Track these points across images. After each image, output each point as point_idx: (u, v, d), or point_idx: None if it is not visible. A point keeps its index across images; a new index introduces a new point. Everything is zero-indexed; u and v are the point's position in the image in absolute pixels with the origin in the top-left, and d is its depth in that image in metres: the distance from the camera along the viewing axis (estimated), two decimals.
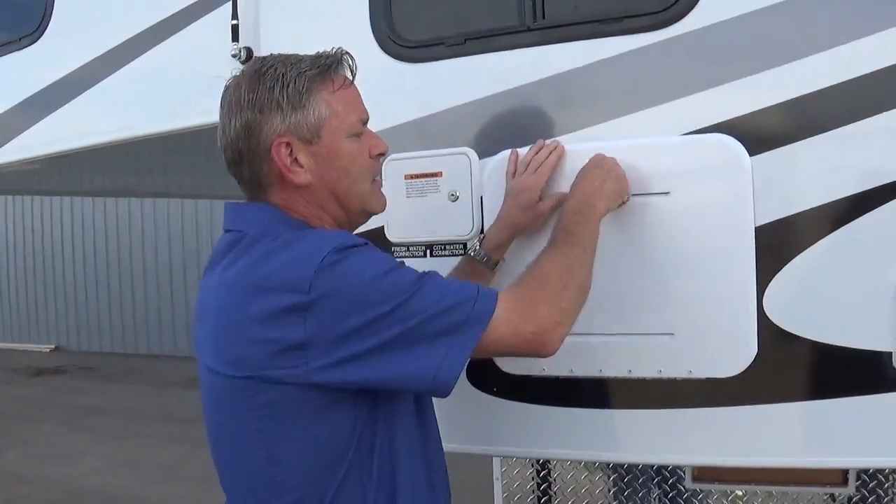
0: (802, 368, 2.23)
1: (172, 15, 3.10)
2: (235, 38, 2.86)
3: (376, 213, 2.14)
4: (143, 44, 3.20)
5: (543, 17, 2.40)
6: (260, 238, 1.91)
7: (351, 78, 2.03)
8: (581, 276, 2.02)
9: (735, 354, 2.24)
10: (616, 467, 3.93)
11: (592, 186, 2.17)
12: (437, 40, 2.56)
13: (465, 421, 2.58)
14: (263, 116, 1.93)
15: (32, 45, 3.55)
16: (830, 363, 2.19)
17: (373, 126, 2.61)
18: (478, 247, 2.42)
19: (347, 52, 2.02)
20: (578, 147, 2.34)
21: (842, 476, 3.07)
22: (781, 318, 2.21)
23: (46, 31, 3.51)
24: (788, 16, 2.15)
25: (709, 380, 2.27)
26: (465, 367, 1.86)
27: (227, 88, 2.00)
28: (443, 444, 2.20)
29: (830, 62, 2.12)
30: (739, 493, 3.29)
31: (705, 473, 3.20)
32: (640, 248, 2.30)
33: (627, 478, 3.94)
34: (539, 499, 4.02)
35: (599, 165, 2.22)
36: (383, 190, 2.18)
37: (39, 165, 4.21)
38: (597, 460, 3.49)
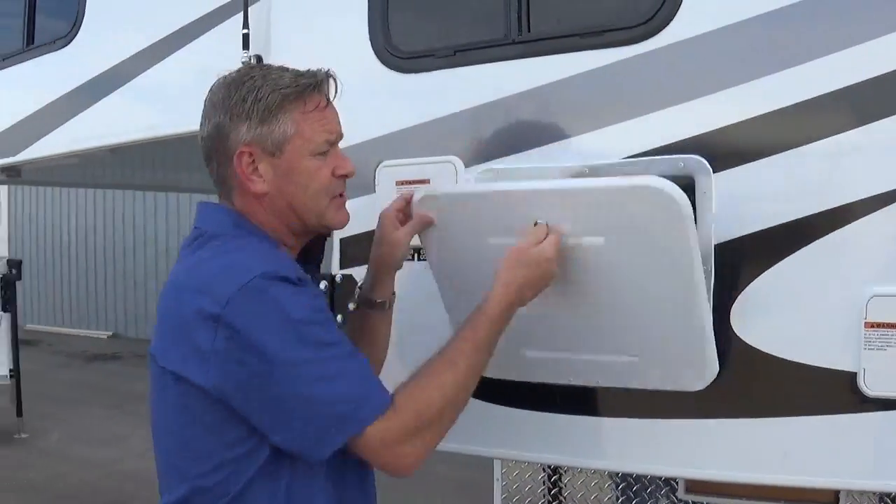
0: (769, 385, 2.23)
1: (192, 22, 3.23)
2: (246, 46, 2.97)
3: (335, 229, 2.20)
4: (166, 49, 3.32)
5: (529, 31, 2.45)
6: (213, 238, 2.04)
7: (328, 100, 2.09)
8: (461, 401, 2.02)
9: (696, 377, 2.24)
10: (624, 475, 3.95)
11: (512, 284, 2.08)
12: (429, 52, 2.63)
13: None
14: (232, 123, 2.03)
15: (66, 47, 3.70)
16: (798, 380, 2.19)
17: (369, 134, 2.73)
18: (363, 297, 2.44)
19: (332, 75, 2.09)
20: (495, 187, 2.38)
21: (833, 495, 3.05)
22: (749, 335, 2.22)
23: (79, 34, 3.65)
24: (762, 31, 2.18)
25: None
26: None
27: (212, 87, 2.10)
28: None
29: (803, 77, 2.13)
30: None
31: (697, 486, 3.21)
32: (592, 283, 2.21)
33: (636, 487, 3.96)
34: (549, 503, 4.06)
35: (524, 263, 2.10)
36: (377, 195, 2.39)
37: (82, 159, 4.36)
38: (566, 465, 3.51)
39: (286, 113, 2.03)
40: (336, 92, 2.12)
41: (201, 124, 2.09)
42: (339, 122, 2.13)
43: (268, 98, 2.01)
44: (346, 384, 1.89)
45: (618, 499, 3.95)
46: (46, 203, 18.92)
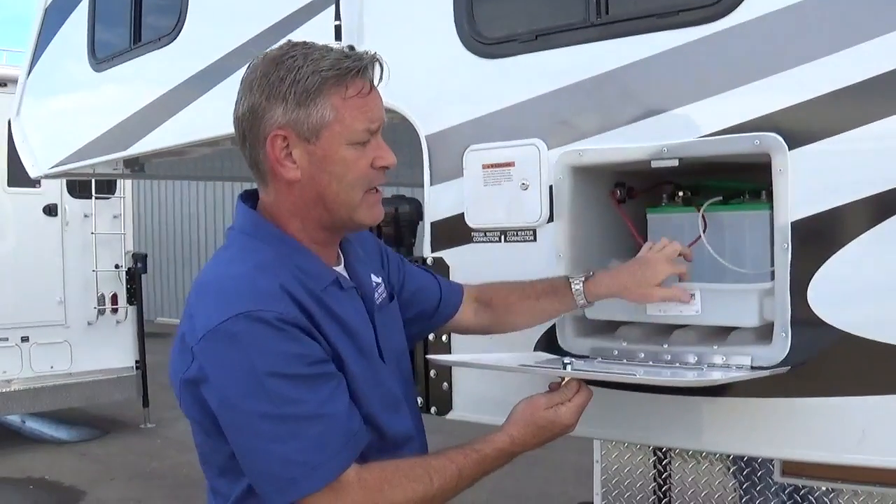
0: (845, 364, 2.19)
1: (287, 17, 3.34)
2: (338, 37, 3.06)
3: (364, 226, 2.10)
4: (264, 43, 3.44)
5: (607, 13, 2.48)
6: (234, 237, 2.06)
7: (371, 85, 1.98)
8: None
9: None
10: (736, 459, 3.92)
11: (518, 440, 2.08)
12: (512, 37, 2.69)
13: None
14: (268, 104, 1.92)
15: (170, 45, 3.89)
16: (874, 359, 2.14)
17: (456, 117, 2.80)
18: (581, 284, 2.41)
19: (377, 59, 1.97)
20: None
21: None
22: (827, 313, 2.18)
23: (182, 31, 3.83)
24: (835, 5, 2.16)
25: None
26: None
27: (251, 64, 2.00)
28: None
29: (878, 51, 2.09)
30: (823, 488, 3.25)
31: (793, 468, 3.18)
32: None
33: (746, 471, 3.92)
34: (660, 487, 4.06)
35: (537, 424, 2.10)
36: (465, 178, 2.40)
37: (211, 150, 4.53)
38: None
39: (325, 97, 1.91)
40: (381, 77, 2.01)
41: (236, 103, 1.99)
42: (381, 109, 2.01)
43: (307, 80, 1.90)
44: (298, 448, 1.83)
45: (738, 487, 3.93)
46: (173, 197, 19.60)
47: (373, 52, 1.99)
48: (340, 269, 2.12)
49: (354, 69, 1.93)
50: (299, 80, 1.91)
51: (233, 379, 1.83)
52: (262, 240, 2.00)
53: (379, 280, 2.23)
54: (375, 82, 2.00)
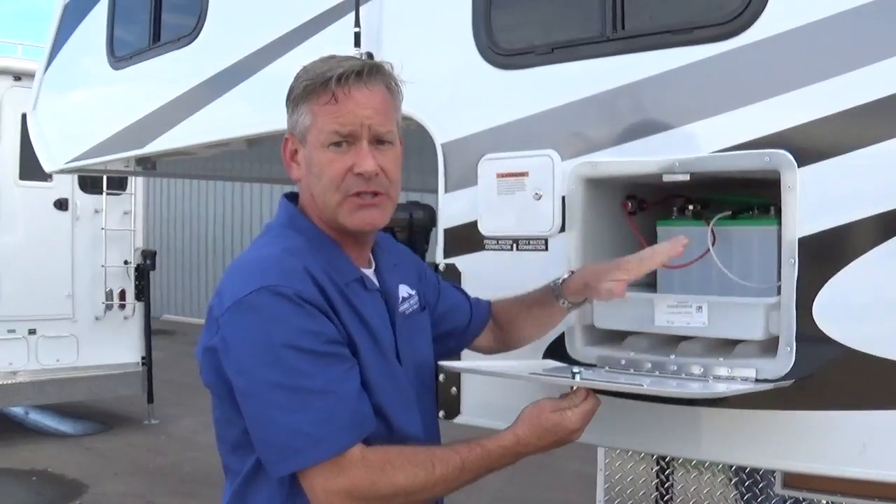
0: (847, 378, 2.22)
1: (306, 22, 3.39)
2: (357, 44, 3.11)
3: (349, 230, 2.13)
4: (283, 47, 3.50)
5: (623, 28, 2.53)
6: (268, 229, 2.21)
7: (344, 94, 2.03)
8: (417, 499, 2.03)
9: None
10: (738, 471, 3.95)
11: (523, 440, 2.09)
12: (529, 49, 2.74)
13: None
14: (286, 111, 2.16)
15: (190, 45, 3.93)
16: (877, 374, 2.18)
17: (472, 127, 2.84)
18: (559, 283, 2.47)
19: (351, 73, 2.04)
20: None
21: None
22: (832, 329, 2.22)
23: (202, 33, 3.87)
24: (848, 26, 2.19)
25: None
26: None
27: None
28: None
29: (887, 72, 2.13)
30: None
31: (794, 480, 3.21)
32: None
33: (748, 482, 3.96)
34: (662, 497, 4.10)
35: (543, 426, 2.10)
36: (479, 187, 2.47)
37: (219, 151, 4.58)
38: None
39: (306, 103, 2.07)
40: (367, 83, 2.07)
41: None
42: (360, 116, 2.05)
43: (297, 88, 2.10)
44: (305, 419, 1.90)
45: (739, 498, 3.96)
46: (183, 195, 19.65)
47: (367, 63, 2.12)
48: (370, 272, 2.21)
49: (327, 79, 2.04)
50: (294, 89, 2.12)
51: (250, 348, 1.93)
52: (295, 230, 2.15)
53: (413, 292, 2.33)
54: (368, 88, 2.07)
